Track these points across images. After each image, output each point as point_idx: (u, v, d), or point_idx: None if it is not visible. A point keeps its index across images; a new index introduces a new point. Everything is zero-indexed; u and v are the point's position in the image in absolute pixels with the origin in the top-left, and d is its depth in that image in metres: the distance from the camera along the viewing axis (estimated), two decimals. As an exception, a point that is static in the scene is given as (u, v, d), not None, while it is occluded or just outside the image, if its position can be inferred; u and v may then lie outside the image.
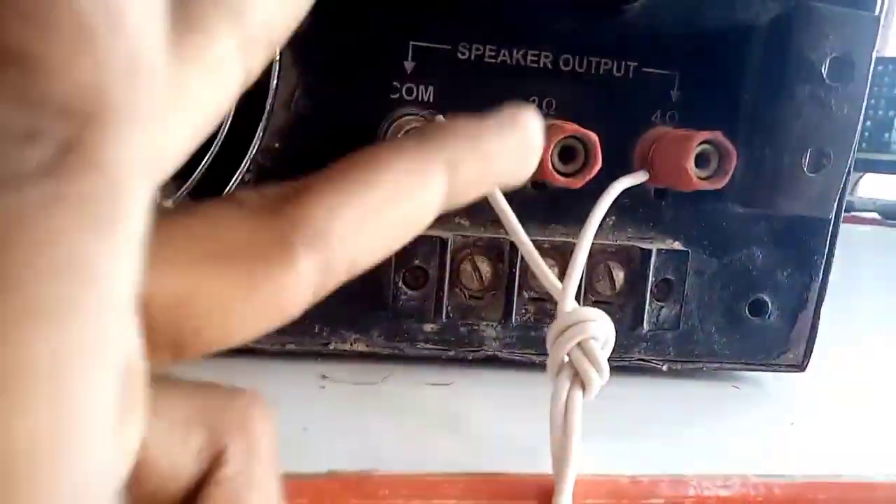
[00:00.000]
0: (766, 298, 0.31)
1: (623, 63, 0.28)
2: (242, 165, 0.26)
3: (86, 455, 0.07)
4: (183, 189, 0.25)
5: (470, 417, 0.25)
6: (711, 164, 0.27)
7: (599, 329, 0.22)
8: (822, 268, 0.31)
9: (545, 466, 0.21)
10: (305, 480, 0.19)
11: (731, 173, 0.27)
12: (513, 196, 0.26)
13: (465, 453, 0.23)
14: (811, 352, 0.32)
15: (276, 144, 0.26)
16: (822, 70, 0.26)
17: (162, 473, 0.11)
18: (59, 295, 0.06)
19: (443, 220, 0.28)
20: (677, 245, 0.30)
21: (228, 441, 0.12)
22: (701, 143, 0.27)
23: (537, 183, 0.29)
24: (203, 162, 0.25)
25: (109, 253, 0.07)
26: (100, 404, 0.07)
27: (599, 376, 0.22)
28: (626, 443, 0.24)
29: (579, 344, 0.22)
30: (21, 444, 0.06)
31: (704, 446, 0.25)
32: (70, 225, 0.06)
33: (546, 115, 0.28)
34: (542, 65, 0.28)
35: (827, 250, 0.31)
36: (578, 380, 0.22)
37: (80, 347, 0.06)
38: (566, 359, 0.22)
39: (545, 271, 0.24)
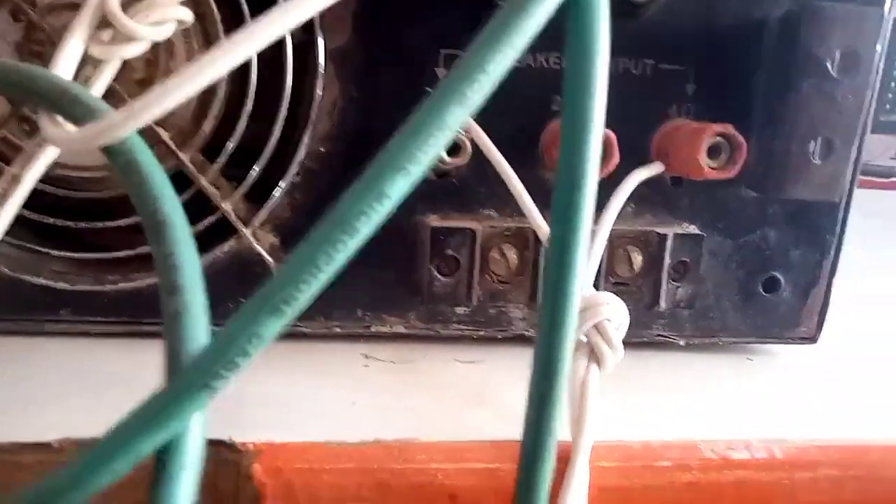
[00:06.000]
0: (780, 276, 0.33)
1: (640, 61, 0.30)
2: (291, 168, 0.28)
3: None
4: (239, 189, 0.28)
5: (499, 391, 0.28)
6: (723, 155, 0.29)
7: (612, 311, 0.24)
8: (834, 246, 0.33)
9: (565, 435, 0.24)
10: (354, 448, 0.23)
11: (741, 164, 0.29)
12: (534, 189, 0.28)
13: (494, 423, 0.26)
14: (823, 325, 0.34)
15: (322, 149, 0.29)
16: (829, 65, 0.28)
17: None
18: None
19: (473, 212, 0.31)
20: (693, 229, 0.32)
21: None
22: (712, 136, 0.29)
23: (560, 175, 0.31)
24: (256, 166, 0.28)
25: None
26: None
27: (613, 353, 0.24)
28: (641, 411, 0.27)
29: (595, 325, 0.24)
30: None
31: (716, 413, 0.28)
32: None
33: (566, 114, 0.30)
34: (563, 67, 0.30)
35: (838, 229, 0.33)
36: (595, 356, 0.25)
37: None
38: (584, 338, 0.25)
39: (565, 260, 0.26)
